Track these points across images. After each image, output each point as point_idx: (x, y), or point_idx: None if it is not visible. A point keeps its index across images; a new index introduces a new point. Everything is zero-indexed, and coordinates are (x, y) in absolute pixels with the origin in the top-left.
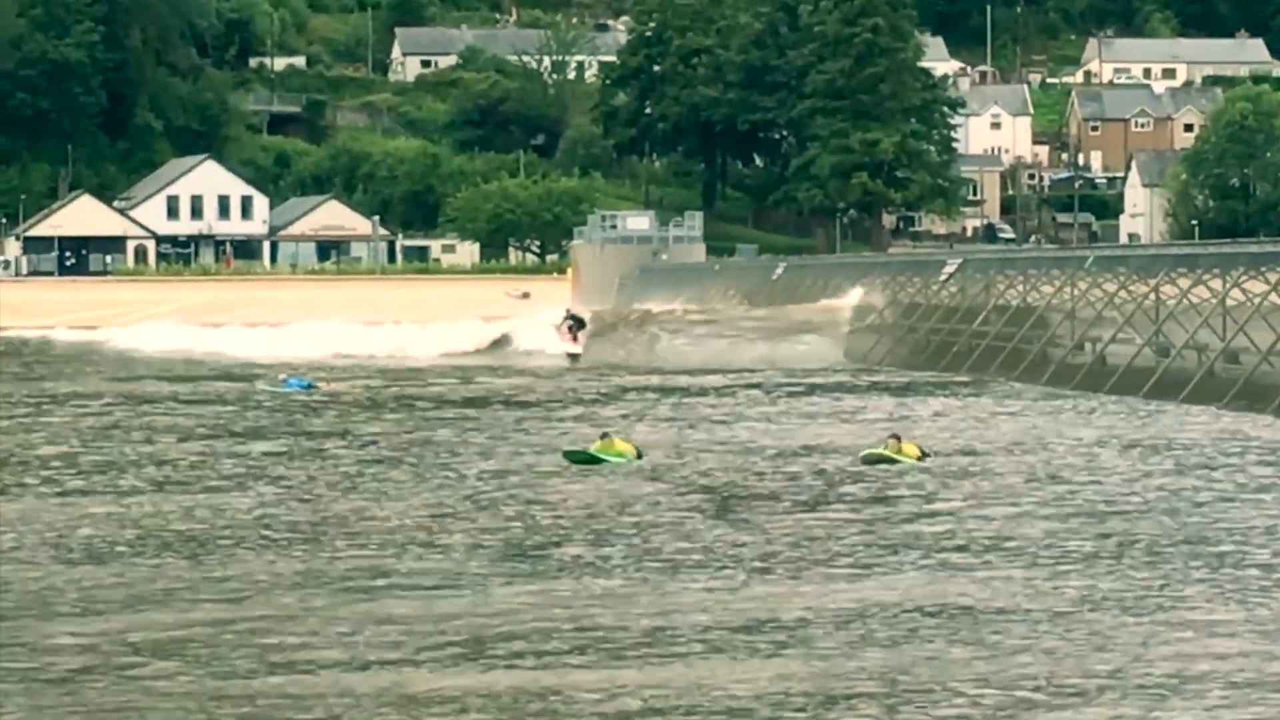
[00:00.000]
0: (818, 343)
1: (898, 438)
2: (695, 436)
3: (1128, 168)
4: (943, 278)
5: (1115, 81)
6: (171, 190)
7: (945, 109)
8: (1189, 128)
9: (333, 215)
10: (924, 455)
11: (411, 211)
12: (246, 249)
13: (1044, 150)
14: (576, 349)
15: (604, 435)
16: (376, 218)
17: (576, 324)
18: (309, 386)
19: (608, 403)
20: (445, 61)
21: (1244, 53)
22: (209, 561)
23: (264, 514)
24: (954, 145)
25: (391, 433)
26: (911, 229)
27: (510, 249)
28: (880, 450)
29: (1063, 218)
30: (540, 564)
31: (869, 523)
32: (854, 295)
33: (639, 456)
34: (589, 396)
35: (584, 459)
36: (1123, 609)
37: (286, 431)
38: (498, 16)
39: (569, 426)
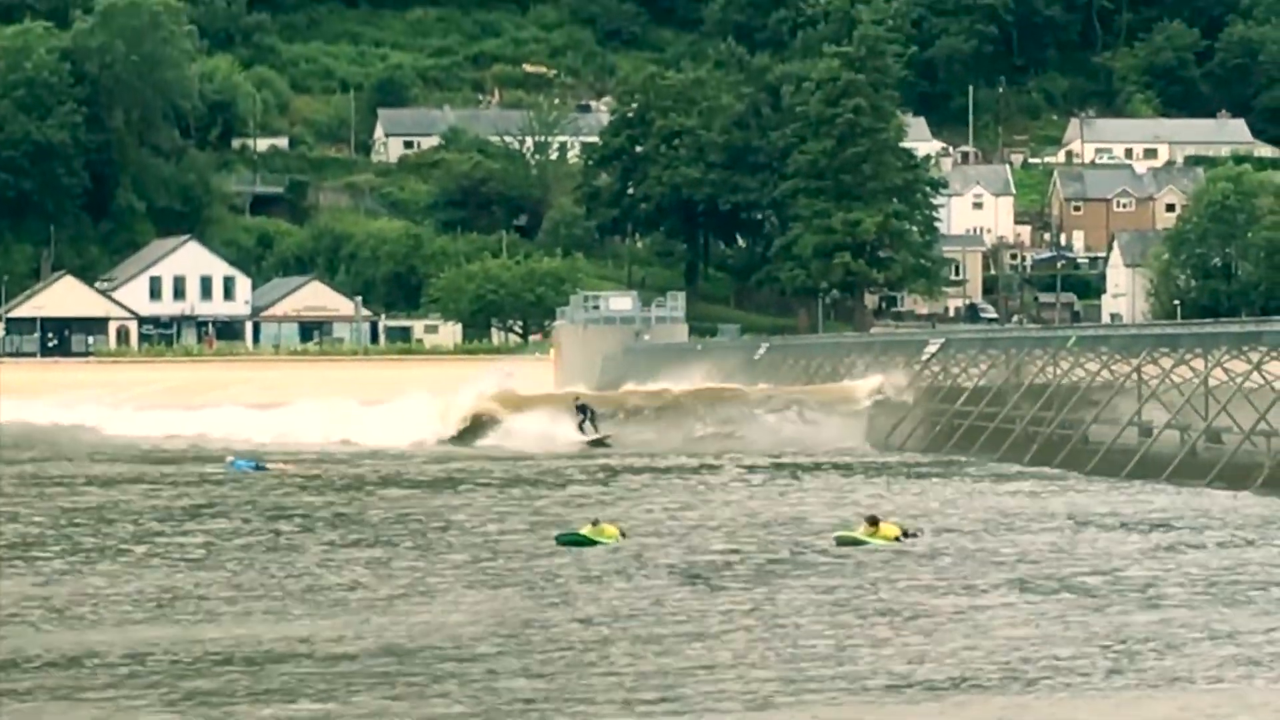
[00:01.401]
0: (838, 425)
1: (874, 520)
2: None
3: (1110, 247)
4: (924, 357)
5: (1097, 161)
6: (154, 271)
7: (927, 189)
8: (1171, 207)
9: (315, 296)
10: (906, 535)
11: (394, 292)
12: (229, 330)
13: (1026, 230)
14: (600, 435)
15: (594, 522)
16: (359, 298)
17: (590, 415)
18: (257, 467)
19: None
20: (428, 142)
21: (1226, 133)
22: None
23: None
24: (936, 225)
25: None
26: (894, 309)
27: (493, 329)
28: (853, 533)
29: (1045, 297)
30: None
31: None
32: (875, 377)
33: (623, 537)
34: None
35: (575, 541)
36: None
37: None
38: (480, 97)
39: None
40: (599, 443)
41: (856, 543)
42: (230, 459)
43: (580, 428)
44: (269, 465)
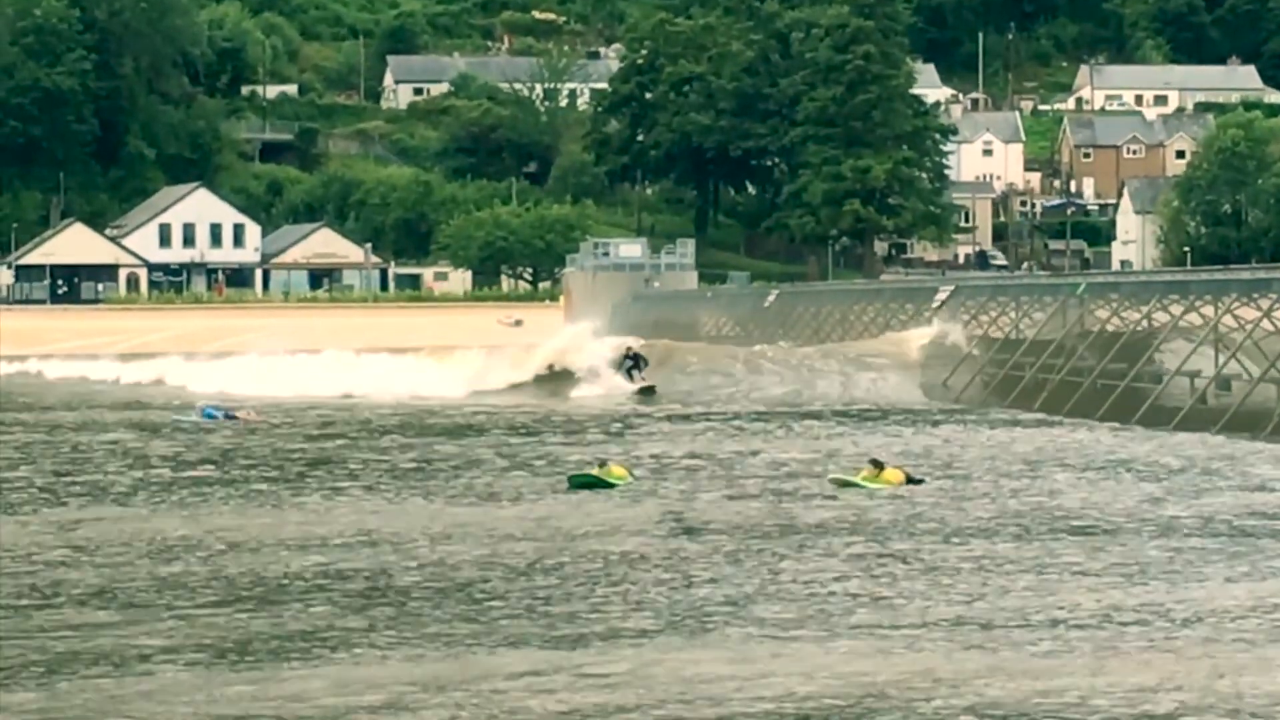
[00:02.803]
0: (892, 378)
1: (878, 464)
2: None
3: (1119, 195)
4: (935, 304)
5: (1107, 109)
6: (163, 219)
7: (937, 136)
8: (1181, 154)
9: (325, 243)
10: (911, 481)
11: (404, 239)
12: (239, 277)
13: (1036, 177)
14: (646, 382)
15: (602, 463)
16: (369, 246)
17: (637, 363)
18: (227, 416)
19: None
20: (437, 89)
21: (1236, 79)
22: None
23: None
24: (946, 172)
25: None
26: (903, 256)
27: (502, 277)
28: (850, 476)
29: (1054, 245)
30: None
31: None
32: (929, 327)
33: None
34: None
35: (587, 482)
36: None
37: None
38: (490, 44)
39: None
40: (647, 390)
41: (852, 485)
42: (201, 405)
43: (629, 374)
44: (237, 415)
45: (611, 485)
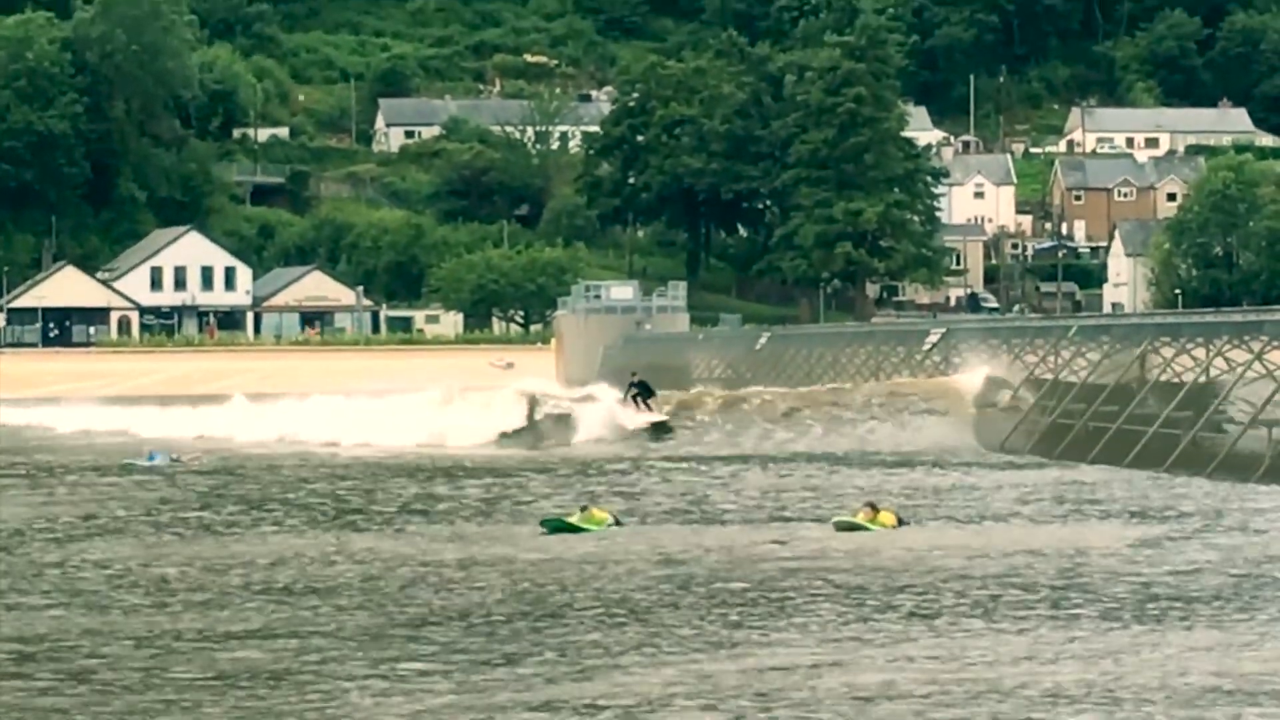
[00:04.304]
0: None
1: (873, 506)
2: None
3: (1111, 237)
4: (926, 347)
5: (1098, 151)
6: (155, 261)
7: (928, 178)
8: (1172, 197)
9: (316, 286)
10: (901, 523)
11: (395, 282)
12: (230, 320)
13: (1027, 220)
14: (661, 416)
15: (584, 508)
16: (360, 288)
17: (644, 391)
18: (173, 460)
19: None
20: (429, 132)
21: (1227, 122)
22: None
23: None
24: (937, 215)
25: None
26: (895, 298)
27: (494, 319)
28: (852, 518)
29: (1046, 287)
30: None
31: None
32: (979, 372)
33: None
34: None
35: (559, 527)
36: None
37: None
38: (481, 87)
39: None
40: (661, 427)
41: (856, 527)
42: (148, 451)
43: (635, 401)
44: (182, 459)
45: (581, 530)
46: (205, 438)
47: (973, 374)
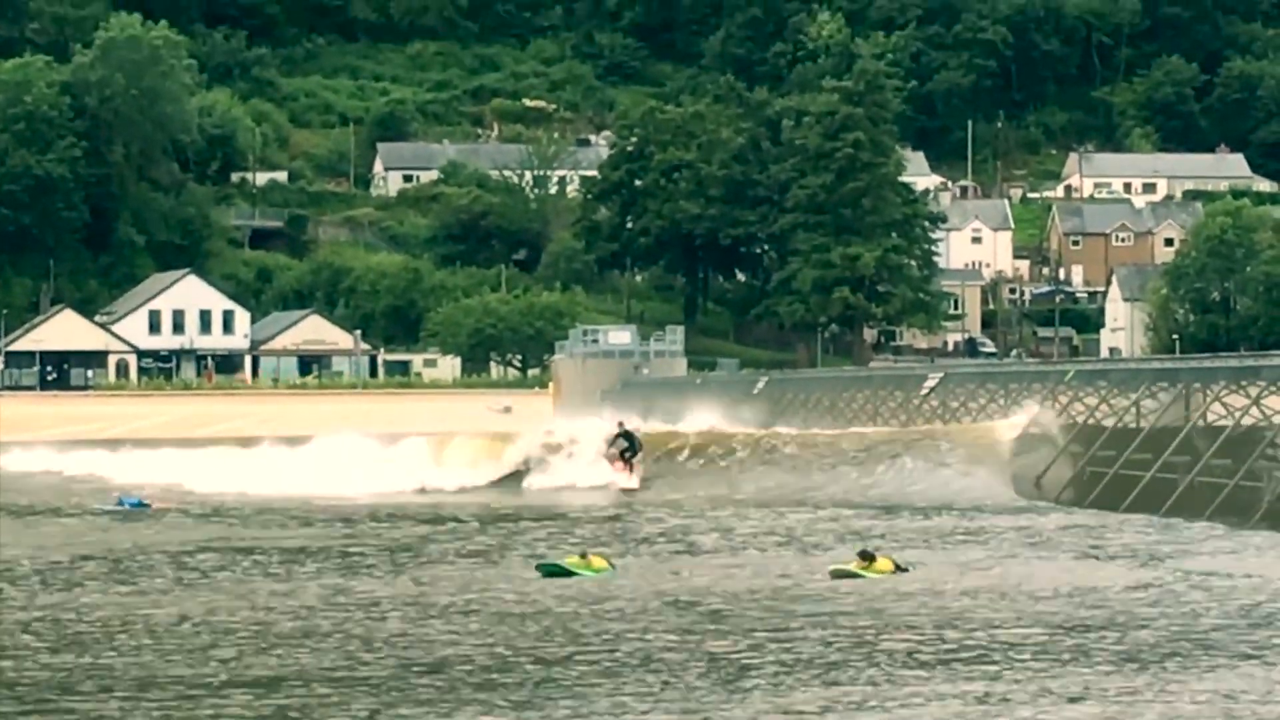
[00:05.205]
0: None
1: (869, 555)
2: None
3: (1108, 282)
4: (924, 391)
5: (1096, 196)
6: (153, 305)
7: (926, 224)
8: (1169, 242)
9: (314, 330)
10: (899, 569)
11: (393, 326)
12: (228, 363)
13: (1025, 265)
14: (632, 482)
15: (583, 554)
16: (358, 332)
17: (630, 445)
18: (140, 505)
19: None
20: (427, 176)
21: (1224, 168)
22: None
23: None
24: (935, 260)
25: None
26: (892, 343)
27: (491, 363)
28: (848, 567)
29: (1043, 332)
30: None
31: None
32: (1017, 417)
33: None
34: None
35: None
36: None
37: None
38: (479, 132)
39: None
40: (631, 492)
41: (851, 575)
42: (116, 495)
43: (623, 456)
44: (152, 504)
45: (577, 574)
46: (177, 486)
47: (1011, 418)
